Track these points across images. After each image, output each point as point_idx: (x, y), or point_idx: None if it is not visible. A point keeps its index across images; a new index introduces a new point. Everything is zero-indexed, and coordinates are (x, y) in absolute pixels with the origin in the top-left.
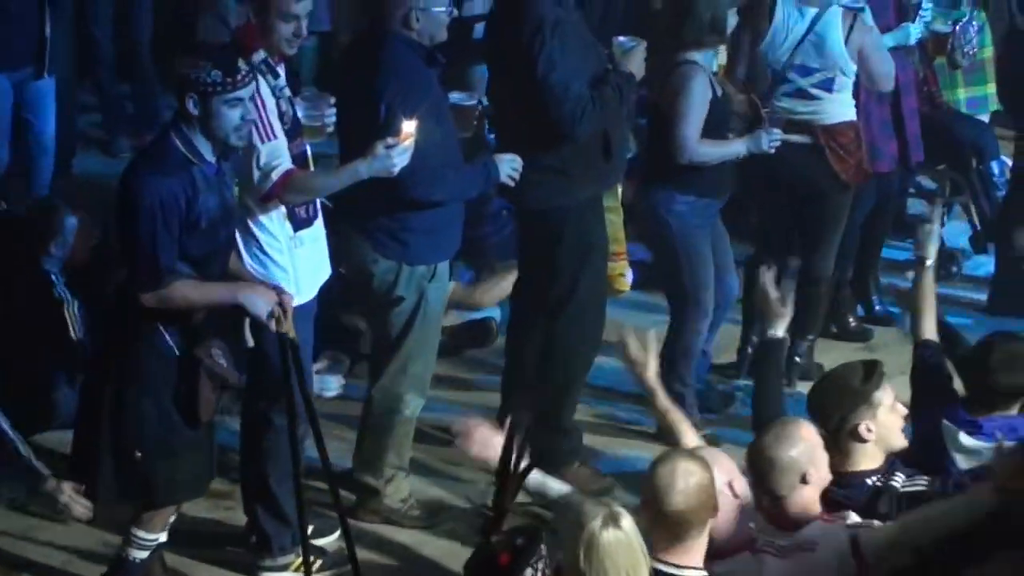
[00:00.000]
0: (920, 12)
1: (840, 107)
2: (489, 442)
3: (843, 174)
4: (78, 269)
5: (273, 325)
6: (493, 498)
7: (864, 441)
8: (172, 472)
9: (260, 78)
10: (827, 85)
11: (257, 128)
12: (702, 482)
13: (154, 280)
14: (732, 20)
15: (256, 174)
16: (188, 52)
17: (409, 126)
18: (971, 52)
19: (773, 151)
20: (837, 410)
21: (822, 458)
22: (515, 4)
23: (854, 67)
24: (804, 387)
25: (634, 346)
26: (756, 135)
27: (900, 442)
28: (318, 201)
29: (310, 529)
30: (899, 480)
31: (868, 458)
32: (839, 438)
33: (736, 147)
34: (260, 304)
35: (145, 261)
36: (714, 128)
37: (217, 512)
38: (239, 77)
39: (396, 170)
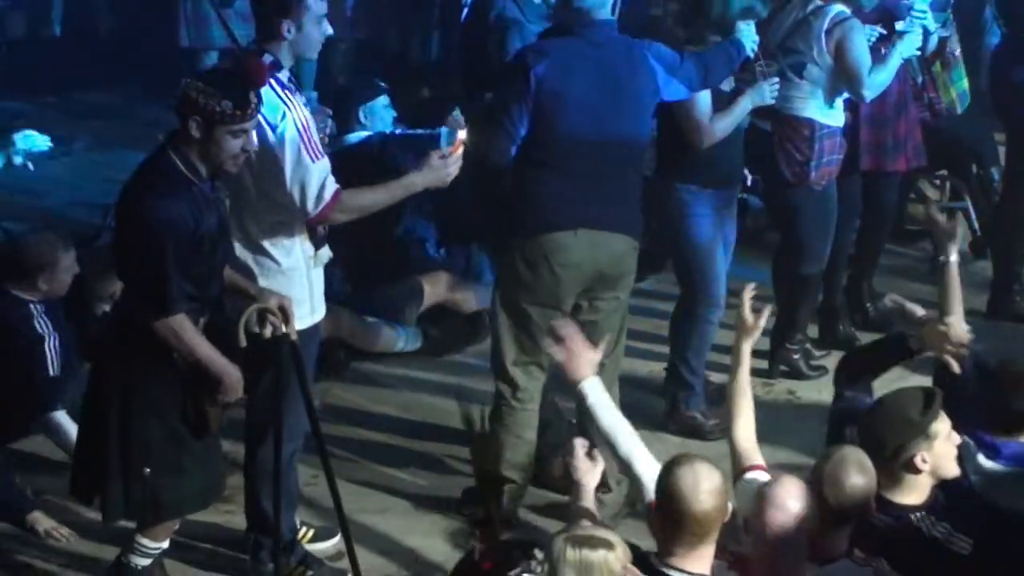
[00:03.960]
0: (913, 12)
1: (807, 99)
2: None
3: (785, 168)
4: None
5: (268, 332)
6: (479, 510)
7: (918, 472)
8: (180, 487)
9: (298, 94)
10: (798, 68)
11: (306, 148)
12: (721, 482)
13: (166, 306)
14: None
15: (309, 194)
16: (198, 77)
17: (463, 134)
18: (955, 50)
19: (774, 100)
20: (894, 440)
21: None
22: None
23: (829, 60)
24: (794, 386)
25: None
26: (758, 87)
27: (953, 471)
28: None
29: (310, 533)
30: (940, 533)
31: (918, 489)
32: (892, 467)
33: (743, 104)
34: (233, 386)
35: (157, 287)
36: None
37: (216, 516)
38: (249, 111)
39: (450, 180)
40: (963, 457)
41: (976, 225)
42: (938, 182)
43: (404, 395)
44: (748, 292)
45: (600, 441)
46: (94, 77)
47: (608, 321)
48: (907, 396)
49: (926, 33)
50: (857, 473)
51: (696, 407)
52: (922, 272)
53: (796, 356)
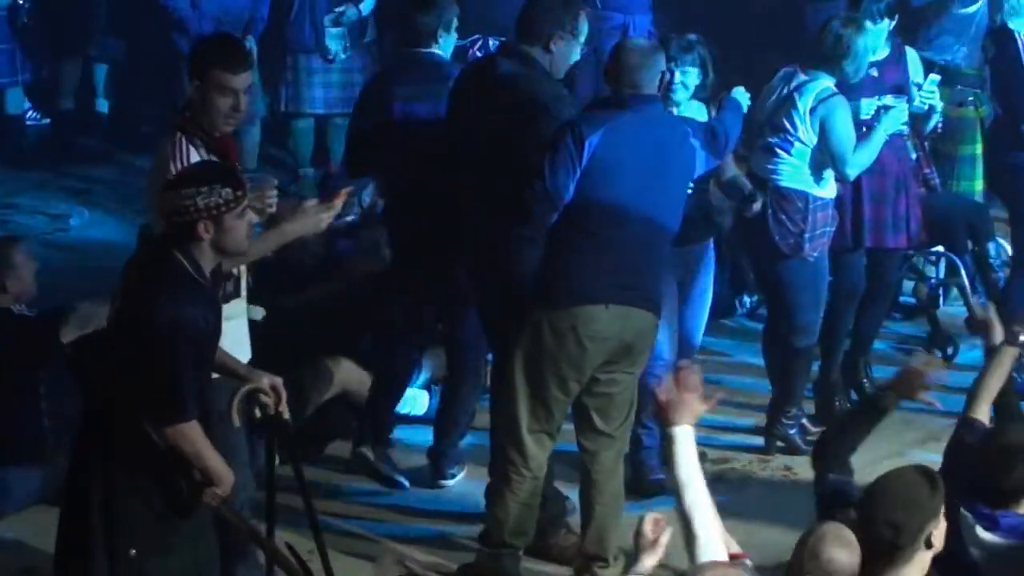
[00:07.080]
0: (921, 92)
1: (797, 173)
2: None
3: (780, 241)
4: None
5: (257, 412)
6: None
7: (933, 548)
8: (169, 566)
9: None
10: (785, 146)
11: None
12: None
13: (180, 412)
14: None
15: None
16: (181, 184)
17: (349, 188)
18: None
19: None
20: (914, 523)
21: None
22: None
23: (813, 137)
24: (791, 461)
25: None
26: None
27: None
28: (243, 280)
29: None
30: None
31: (920, 565)
32: (908, 551)
33: None
34: (226, 491)
35: (172, 393)
36: None
37: None
38: (245, 187)
39: (324, 226)
40: (962, 530)
41: (972, 302)
42: (934, 259)
43: None
44: (650, 516)
45: (671, 488)
46: (91, 154)
47: (623, 396)
48: (911, 479)
49: (931, 111)
50: (839, 548)
51: (649, 459)
52: (917, 348)
53: (792, 431)
